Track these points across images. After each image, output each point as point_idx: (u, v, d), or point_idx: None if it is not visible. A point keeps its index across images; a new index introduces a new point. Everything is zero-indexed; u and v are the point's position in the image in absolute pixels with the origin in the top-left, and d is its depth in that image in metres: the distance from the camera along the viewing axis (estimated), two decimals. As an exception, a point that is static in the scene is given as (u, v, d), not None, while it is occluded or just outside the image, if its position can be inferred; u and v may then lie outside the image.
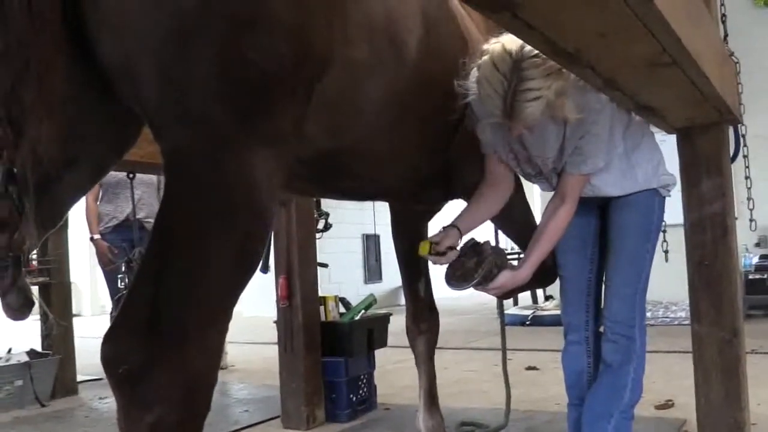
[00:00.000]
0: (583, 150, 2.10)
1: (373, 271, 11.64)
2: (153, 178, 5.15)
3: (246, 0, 1.20)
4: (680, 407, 3.50)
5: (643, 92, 1.73)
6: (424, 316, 3.08)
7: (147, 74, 1.22)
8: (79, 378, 5.03)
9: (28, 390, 4.46)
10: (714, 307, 2.18)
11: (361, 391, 3.81)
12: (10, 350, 4.74)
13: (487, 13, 1.16)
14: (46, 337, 4.84)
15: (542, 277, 2.37)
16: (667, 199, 2.33)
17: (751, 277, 6.94)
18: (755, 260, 7.13)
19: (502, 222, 2.57)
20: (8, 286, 1.04)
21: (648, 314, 3.18)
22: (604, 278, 2.39)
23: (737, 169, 2.33)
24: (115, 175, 4.80)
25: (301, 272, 3.63)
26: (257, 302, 6.55)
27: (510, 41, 1.87)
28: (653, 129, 2.30)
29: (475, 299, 9.83)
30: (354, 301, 4.09)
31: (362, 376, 3.84)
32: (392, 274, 10.89)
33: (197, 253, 1.21)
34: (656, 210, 2.29)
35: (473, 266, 2.11)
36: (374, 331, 3.88)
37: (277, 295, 3.65)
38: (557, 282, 2.52)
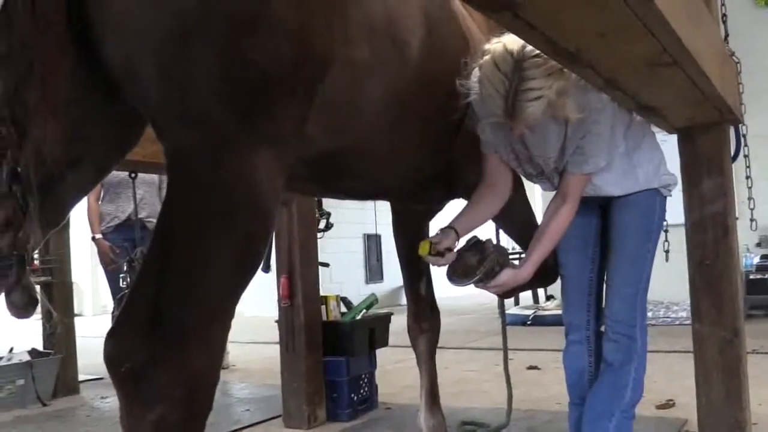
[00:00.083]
0: (584, 149, 2.10)
1: (374, 270, 11.64)
2: (155, 177, 5.16)
3: (246, 0, 1.21)
4: (681, 407, 3.50)
5: (643, 92, 1.73)
6: (425, 315, 3.08)
7: (149, 75, 1.22)
8: (81, 377, 5.04)
9: (30, 389, 4.46)
10: (715, 306, 2.18)
11: (362, 391, 3.82)
12: (11, 349, 4.75)
13: (488, 13, 1.16)
14: (50, 335, 4.85)
15: (543, 276, 2.38)
16: (668, 198, 2.33)
17: (752, 277, 6.94)
18: (756, 260, 7.12)
19: (503, 221, 2.58)
20: (12, 285, 1.04)
21: (649, 314, 3.18)
22: (605, 278, 2.39)
23: (738, 168, 2.33)
24: (116, 175, 4.80)
25: (303, 272, 3.63)
26: (258, 302, 6.55)
27: (511, 41, 1.88)
28: (654, 129, 2.31)
29: (476, 299, 9.84)
30: (355, 301, 4.10)
31: (363, 376, 3.84)
32: (393, 274, 10.89)
33: (199, 253, 1.22)
34: (657, 210, 2.30)
35: (475, 263, 2.11)
36: (375, 331, 3.88)
37: (278, 294, 3.66)
38: (558, 281, 2.53)
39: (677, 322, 6.84)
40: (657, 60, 1.43)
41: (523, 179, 2.44)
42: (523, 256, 2.29)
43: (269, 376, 4.66)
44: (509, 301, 7.84)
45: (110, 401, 4.54)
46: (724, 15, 2.41)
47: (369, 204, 9.93)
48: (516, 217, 2.52)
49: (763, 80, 6.18)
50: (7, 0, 0.97)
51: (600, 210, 2.41)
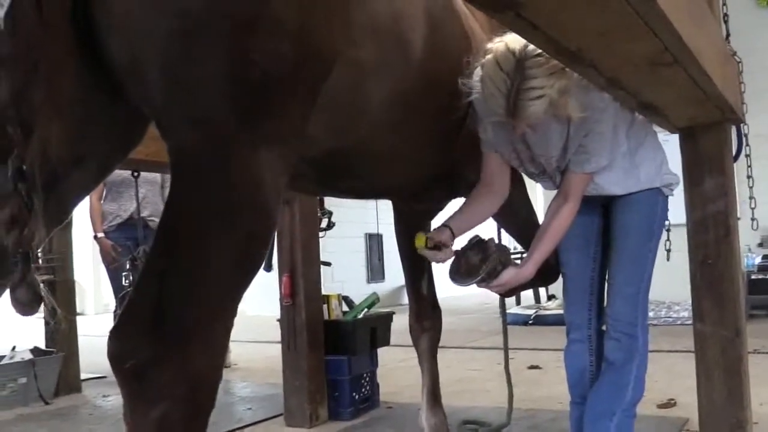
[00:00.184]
0: (586, 148, 2.11)
1: (375, 270, 11.64)
2: (157, 176, 5.17)
3: (249, 1, 1.21)
4: (682, 406, 3.51)
5: (645, 91, 1.74)
6: (427, 314, 3.08)
7: (152, 75, 1.23)
8: (83, 376, 5.05)
9: (32, 388, 4.47)
10: (717, 306, 2.18)
11: (363, 390, 3.82)
12: (14, 348, 4.76)
13: (490, 13, 1.16)
14: (54, 333, 4.85)
15: (545, 275, 2.38)
16: (669, 198, 2.33)
17: (753, 277, 6.94)
18: (758, 260, 7.12)
19: (504, 220, 2.59)
20: (18, 282, 1.05)
21: (650, 314, 3.18)
22: (606, 277, 2.40)
23: (739, 168, 2.34)
24: (119, 174, 4.81)
25: (305, 271, 3.64)
26: (260, 301, 6.56)
27: (513, 40, 1.88)
28: (656, 128, 2.31)
29: (478, 299, 9.85)
30: (356, 301, 4.10)
31: (365, 375, 3.85)
32: (395, 274, 10.90)
33: (201, 252, 1.23)
34: (659, 209, 2.30)
35: (478, 263, 2.12)
36: (377, 330, 3.89)
37: (280, 293, 3.66)
38: (560, 281, 2.53)
39: (678, 322, 6.85)
40: (659, 59, 1.43)
41: (525, 178, 2.45)
42: (524, 255, 2.29)
43: (271, 375, 4.66)
44: (511, 301, 7.85)
45: (112, 400, 4.55)
46: (725, 15, 2.41)
47: (370, 203, 9.93)
48: (517, 216, 2.52)
49: (764, 80, 6.18)
50: (13, 1, 0.98)
51: (602, 209, 2.41)
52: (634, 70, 1.52)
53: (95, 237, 5.27)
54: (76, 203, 1.44)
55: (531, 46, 1.82)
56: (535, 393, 4.05)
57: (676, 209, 2.33)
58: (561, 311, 2.57)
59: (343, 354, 3.70)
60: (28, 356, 4.63)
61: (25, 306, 1.08)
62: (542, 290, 8.64)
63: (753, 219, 2.39)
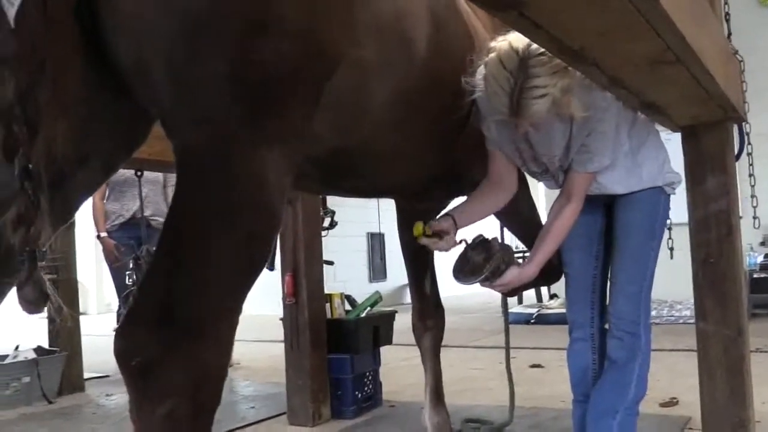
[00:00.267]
0: (589, 148, 2.11)
1: (377, 269, 11.65)
2: (159, 176, 5.19)
3: (255, 1, 1.22)
4: (684, 405, 3.51)
5: (647, 90, 1.74)
6: (430, 312, 3.09)
7: (158, 74, 1.24)
8: (86, 375, 5.06)
9: (35, 387, 4.48)
10: (719, 305, 2.18)
11: (366, 388, 3.83)
12: (17, 347, 4.77)
13: (493, 12, 1.17)
14: (57, 332, 4.86)
15: (548, 274, 2.39)
16: (671, 197, 2.34)
17: (755, 276, 6.94)
18: (760, 259, 7.12)
19: (507, 220, 2.59)
20: (24, 280, 1.06)
21: (653, 313, 3.18)
22: (609, 276, 2.40)
23: (741, 167, 2.34)
24: (121, 174, 4.82)
25: (307, 270, 3.65)
26: (263, 300, 6.56)
27: (517, 39, 1.89)
28: (658, 127, 2.32)
29: (481, 298, 9.85)
30: (358, 300, 4.11)
31: (368, 373, 3.86)
32: (397, 273, 10.92)
33: (206, 250, 1.23)
34: (661, 208, 2.31)
35: (481, 262, 2.13)
36: (380, 329, 3.90)
37: (283, 292, 3.67)
38: (562, 280, 2.54)
39: (681, 321, 6.84)
40: (661, 58, 1.43)
41: (528, 177, 2.45)
42: (527, 254, 2.30)
43: (274, 374, 4.68)
44: (513, 300, 7.85)
45: (116, 399, 4.56)
46: (727, 13, 2.41)
47: (372, 203, 9.93)
48: (520, 216, 2.53)
49: (765, 79, 6.18)
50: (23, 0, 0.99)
51: (604, 208, 2.42)
52: (637, 69, 1.52)
53: (98, 236, 5.29)
54: (81, 202, 1.45)
55: (534, 45, 1.83)
56: (538, 392, 4.06)
57: (678, 208, 2.33)
58: (563, 310, 2.57)
59: (345, 353, 3.71)
60: (32, 355, 4.64)
61: (31, 304, 1.09)
62: (544, 289, 8.64)
63: (755, 218, 2.40)
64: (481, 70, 1.99)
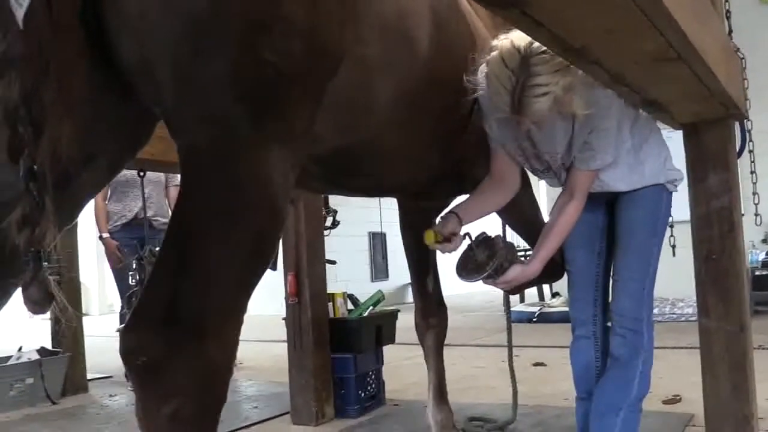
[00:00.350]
0: (591, 145, 2.12)
1: (379, 268, 11.67)
2: (161, 176, 5.19)
3: (258, 1, 1.22)
4: (687, 402, 3.51)
5: (649, 87, 1.74)
6: (432, 311, 3.09)
7: (163, 75, 1.24)
8: (89, 376, 5.07)
9: (39, 388, 4.50)
10: (721, 301, 2.18)
11: (369, 387, 3.84)
12: (20, 349, 4.78)
13: (495, 10, 1.17)
14: (60, 333, 4.86)
15: (551, 272, 2.39)
16: (674, 194, 2.34)
17: (757, 273, 6.94)
18: (762, 256, 7.12)
19: (509, 218, 2.59)
20: (30, 280, 1.06)
21: (655, 310, 3.19)
22: (611, 273, 2.41)
23: (743, 164, 2.34)
24: (123, 174, 4.82)
25: (310, 269, 3.65)
26: (265, 300, 6.57)
27: (519, 37, 1.89)
28: (660, 125, 2.32)
29: (483, 297, 9.86)
30: (361, 299, 4.11)
31: (371, 373, 3.86)
32: (398, 272, 10.92)
33: (211, 249, 1.24)
34: (663, 205, 2.31)
35: (485, 259, 2.13)
36: (383, 328, 3.90)
37: (285, 292, 3.67)
38: (564, 278, 2.54)
39: (683, 319, 6.85)
40: (663, 56, 1.44)
41: (530, 175, 2.46)
42: (530, 252, 2.30)
43: (277, 374, 4.68)
44: (515, 298, 7.86)
45: (119, 399, 4.57)
46: (728, 11, 2.41)
47: (374, 202, 9.94)
48: (523, 214, 2.53)
49: (767, 77, 6.16)
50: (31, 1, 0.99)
51: (606, 206, 2.42)
52: (639, 67, 1.53)
53: (100, 237, 5.29)
54: (86, 202, 1.45)
55: (536, 44, 1.83)
56: (541, 390, 4.06)
57: (680, 205, 2.34)
58: (565, 308, 2.58)
59: (348, 352, 3.72)
60: (35, 356, 4.66)
61: (36, 304, 1.09)
62: (546, 287, 8.64)
63: (756, 215, 2.40)
64: (483, 69, 1.99)
